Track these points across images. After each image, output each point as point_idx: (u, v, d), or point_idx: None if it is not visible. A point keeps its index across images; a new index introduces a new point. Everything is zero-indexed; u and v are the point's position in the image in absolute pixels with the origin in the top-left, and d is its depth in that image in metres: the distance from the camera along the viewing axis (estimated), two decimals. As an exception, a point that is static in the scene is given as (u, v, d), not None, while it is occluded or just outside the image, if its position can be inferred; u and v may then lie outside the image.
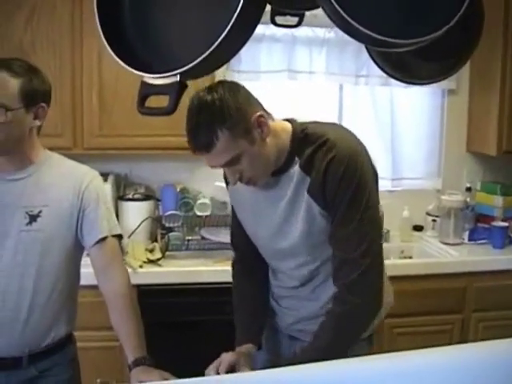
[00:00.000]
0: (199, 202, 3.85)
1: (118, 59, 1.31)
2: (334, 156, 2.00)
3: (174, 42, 1.35)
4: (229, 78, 4.11)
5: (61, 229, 2.26)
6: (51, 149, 2.36)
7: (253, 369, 2.16)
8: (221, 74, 4.03)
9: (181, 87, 1.26)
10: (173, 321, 3.50)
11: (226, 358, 2.13)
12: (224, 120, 1.93)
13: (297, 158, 2.08)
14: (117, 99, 3.63)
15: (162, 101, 1.28)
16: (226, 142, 1.93)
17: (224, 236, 3.79)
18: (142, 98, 1.32)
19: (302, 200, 2.07)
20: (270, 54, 4.16)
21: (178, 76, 1.25)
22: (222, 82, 2.06)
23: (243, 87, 2.06)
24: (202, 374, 1.72)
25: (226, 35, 1.20)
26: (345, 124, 4.26)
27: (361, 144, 2.12)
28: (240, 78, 4.12)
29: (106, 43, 1.33)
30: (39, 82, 2.22)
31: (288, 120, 2.17)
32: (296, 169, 2.07)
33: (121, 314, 2.24)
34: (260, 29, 3.87)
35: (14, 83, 2.13)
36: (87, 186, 2.30)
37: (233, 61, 4.05)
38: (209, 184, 3.93)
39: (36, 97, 2.20)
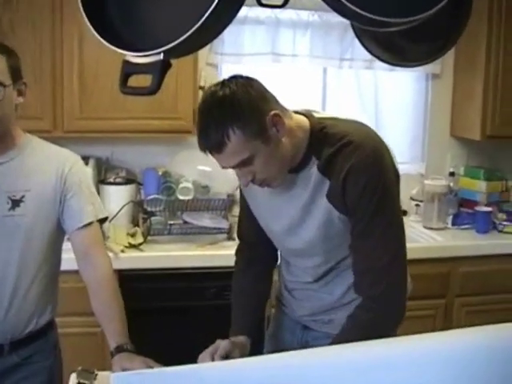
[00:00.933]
0: (181, 185, 3.81)
1: (100, 38, 1.28)
2: (356, 161, 1.87)
3: (157, 21, 1.32)
4: (212, 61, 4.09)
5: (43, 214, 2.23)
6: (31, 131, 2.32)
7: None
8: (204, 56, 4.01)
9: (164, 66, 1.23)
10: (155, 306, 3.46)
11: (223, 345, 2.04)
12: (236, 119, 1.81)
13: (314, 158, 1.95)
14: (98, 81, 3.57)
15: (143, 82, 1.25)
16: (238, 142, 1.82)
17: (206, 220, 3.77)
18: (125, 78, 1.29)
19: (320, 204, 1.97)
20: (254, 37, 4.12)
21: (162, 54, 1.21)
22: (235, 77, 1.92)
23: (258, 82, 1.93)
24: (185, 361, 1.68)
25: (210, 14, 1.17)
26: (328, 108, 4.32)
27: (384, 145, 1.99)
28: (223, 61, 4.11)
29: (87, 22, 1.30)
30: (17, 58, 2.19)
31: (304, 115, 2.03)
32: (314, 170, 1.95)
33: (103, 300, 2.21)
34: (243, 11, 3.83)
35: (2, 59, 2.09)
36: (70, 170, 2.27)
37: (216, 43, 4.02)
38: (191, 168, 3.88)
39: (19, 72, 2.18)
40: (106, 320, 2.17)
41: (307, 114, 2.02)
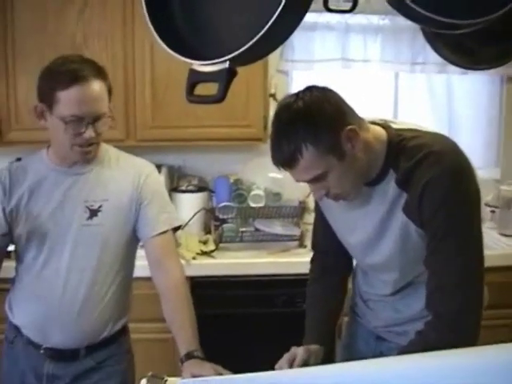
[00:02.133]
0: (253, 193, 3.81)
1: (166, 47, 1.29)
2: (435, 174, 1.79)
3: (222, 29, 1.32)
4: (282, 68, 4.09)
5: (120, 223, 2.27)
6: (104, 141, 2.36)
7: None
8: (274, 64, 4.01)
9: (230, 74, 1.23)
10: (226, 313, 3.47)
11: (300, 353, 2.01)
12: (309, 135, 1.76)
13: (392, 171, 1.88)
14: (169, 90, 3.61)
15: (211, 90, 1.25)
16: (311, 159, 1.78)
17: (278, 228, 3.77)
18: (191, 86, 1.29)
19: (397, 218, 1.90)
20: (324, 43, 4.10)
21: (227, 62, 1.22)
22: (310, 89, 1.86)
23: (334, 94, 1.87)
24: (255, 369, 1.67)
25: (275, 21, 1.15)
26: (400, 113, 4.27)
27: (465, 158, 1.88)
28: (293, 68, 4.11)
29: (153, 31, 1.31)
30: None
31: (382, 126, 1.96)
32: (392, 184, 1.88)
33: (174, 307, 2.24)
34: (313, 17, 3.91)
35: (104, 87, 2.14)
36: (145, 180, 2.30)
37: (286, 50, 4.03)
38: (263, 175, 3.88)
39: (110, 93, 2.21)
40: (176, 326, 2.19)
41: (385, 126, 1.96)
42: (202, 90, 1.31)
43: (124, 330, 2.41)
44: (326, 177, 1.83)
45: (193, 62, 1.26)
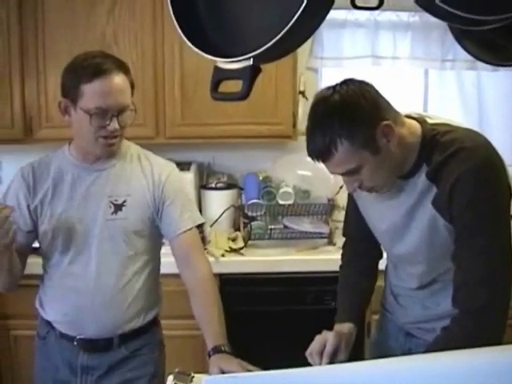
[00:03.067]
0: (282, 190, 3.81)
1: (191, 45, 1.30)
2: (466, 169, 1.79)
3: (246, 26, 1.33)
4: (311, 65, 4.08)
5: (143, 218, 2.30)
6: (134, 138, 2.39)
7: (349, 356, 2.07)
8: (304, 61, 4.01)
9: (254, 71, 1.24)
10: (254, 310, 3.49)
11: (330, 341, 2.01)
12: (345, 129, 1.77)
13: (425, 165, 1.88)
14: (198, 88, 3.62)
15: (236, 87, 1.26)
16: (345, 153, 1.79)
17: (307, 225, 3.77)
18: (215, 83, 1.31)
19: (425, 210, 1.90)
20: (353, 40, 4.09)
21: (251, 60, 1.22)
22: (347, 82, 1.85)
23: (371, 88, 1.85)
24: (283, 366, 1.66)
25: (298, 18, 1.15)
26: (430, 110, 4.23)
27: (498, 155, 1.87)
28: (323, 65, 4.09)
29: (179, 29, 1.32)
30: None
31: (417, 120, 1.95)
32: (422, 177, 1.89)
33: (202, 302, 2.26)
34: (342, 14, 3.90)
35: (127, 81, 2.18)
36: (167, 179, 2.33)
37: (316, 47, 4.02)
38: (292, 173, 3.88)
39: (133, 87, 2.24)
40: (204, 321, 2.21)
41: (420, 120, 1.96)
42: (228, 87, 1.32)
43: (156, 321, 2.45)
44: (360, 171, 1.84)
45: (217, 59, 1.27)
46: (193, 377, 1.90)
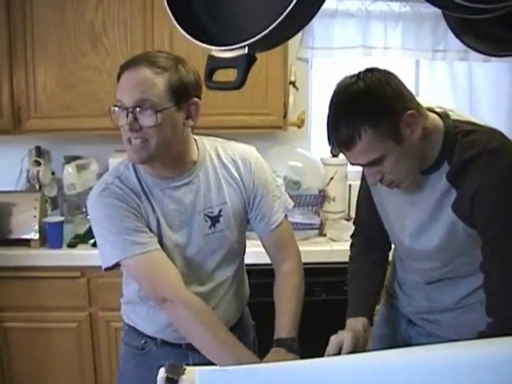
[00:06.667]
0: (272, 181, 3.79)
1: (185, 33, 1.28)
2: (490, 175, 1.76)
3: (241, 15, 1.31)
4: (302, 55, 4.06)
5: (241, 221, 2.22)
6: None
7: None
8: (294, 51, 3.99)
9: (249, 60, 1.22)
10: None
11: (347, 344, 1.98)
12: (369, 117, 1.74)
13: (446, 163, 1.86)
14: (188, 78, 3.59)
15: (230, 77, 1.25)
16: (369, 141, 1.75)
17: (297, 216, 3.75)
18: (210, 72, 1.29)
19: (444, 214, 1.89)
20: (344, 30, 4.07)
21: (246, 48, 1.20)
22: (372, 70, 1.82)
23: (395, 77, 1.83)
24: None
25: (294, 6, 1.14)
26: (421, 100, 4.22)
27: None
28: (314, 55, 4.08)
29: (172, 18, 1.30)
30: (188, 74, 2.04)
31: (439, 114, 1.93)
32: (443, 178, 1.86)
33: (281, 293, 2.23)
34: (333, 4, 3.87)
35: (159, 79, 1.94)
36: (254, 169, 2.24)
37: (306, 37, 4.01)
38: (282, 163, 3.86)
39: (186, 91, 2.01)
40: (277, 311, 2.17)
41: (442, 115, 1.93)
42: (221, 76, 1.30)
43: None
44: (383, 161, 1.81)
45: (211, 47, 1.26)
46: (184, 369, 1.88)
